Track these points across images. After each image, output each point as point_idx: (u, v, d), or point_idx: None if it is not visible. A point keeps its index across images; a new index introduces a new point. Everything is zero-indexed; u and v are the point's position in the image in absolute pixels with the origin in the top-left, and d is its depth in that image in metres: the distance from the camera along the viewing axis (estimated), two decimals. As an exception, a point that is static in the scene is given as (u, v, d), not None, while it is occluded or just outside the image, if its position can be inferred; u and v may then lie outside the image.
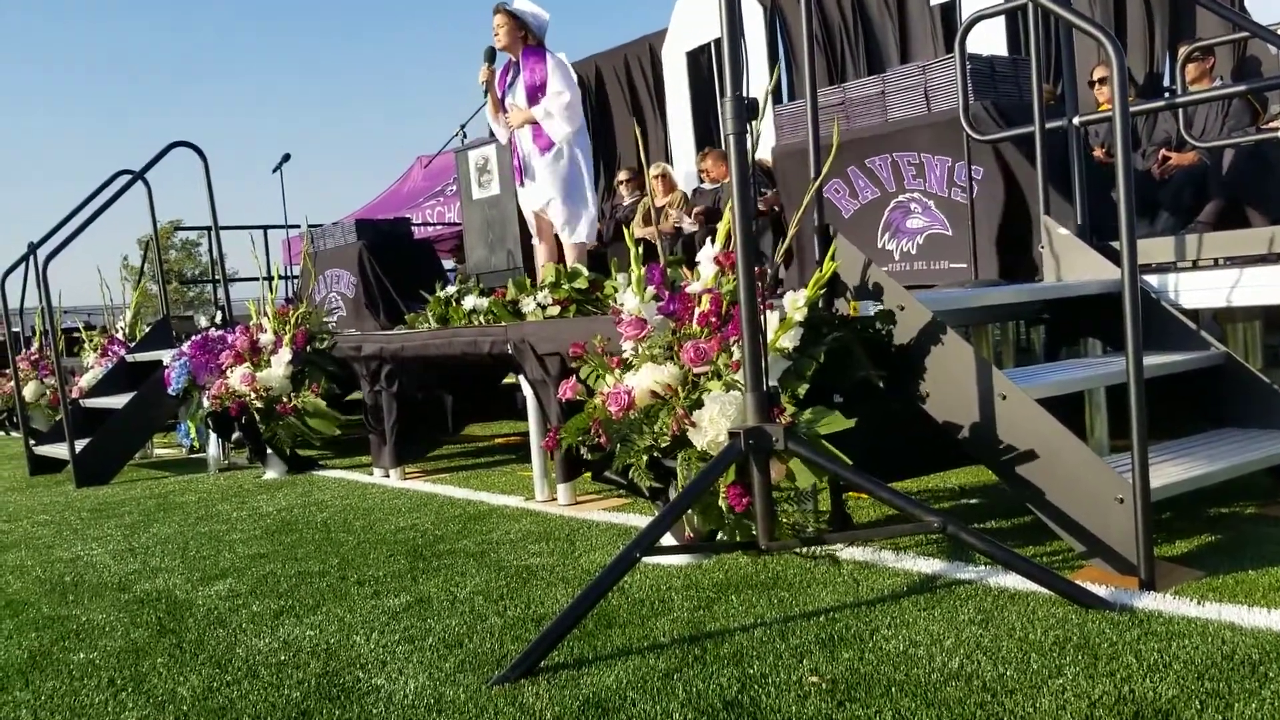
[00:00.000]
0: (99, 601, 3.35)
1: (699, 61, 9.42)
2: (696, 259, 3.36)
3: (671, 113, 9.73)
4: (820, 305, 3.17)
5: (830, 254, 3.14)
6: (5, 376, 10.43)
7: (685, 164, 9.33)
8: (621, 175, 9.20)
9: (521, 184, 6.14)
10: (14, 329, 8.90)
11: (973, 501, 3.86)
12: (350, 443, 6.68)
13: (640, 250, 3.54)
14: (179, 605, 3.23)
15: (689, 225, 7.65)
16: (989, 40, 6.09)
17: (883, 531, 3.13)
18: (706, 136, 9.20)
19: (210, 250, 10.42)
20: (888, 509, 3.56)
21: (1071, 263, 3.70)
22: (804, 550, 3.07)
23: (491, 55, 5.95)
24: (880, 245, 4.78)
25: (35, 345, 9.60)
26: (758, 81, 8.15)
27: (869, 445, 3.01)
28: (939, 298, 3.28)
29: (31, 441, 7.11)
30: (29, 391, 8.66)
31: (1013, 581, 2.71)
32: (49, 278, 6.91)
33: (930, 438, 3.13)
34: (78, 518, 5.02)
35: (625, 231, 3.65)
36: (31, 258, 7.17)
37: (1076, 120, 3.79)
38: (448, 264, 11.37)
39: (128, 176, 6.95)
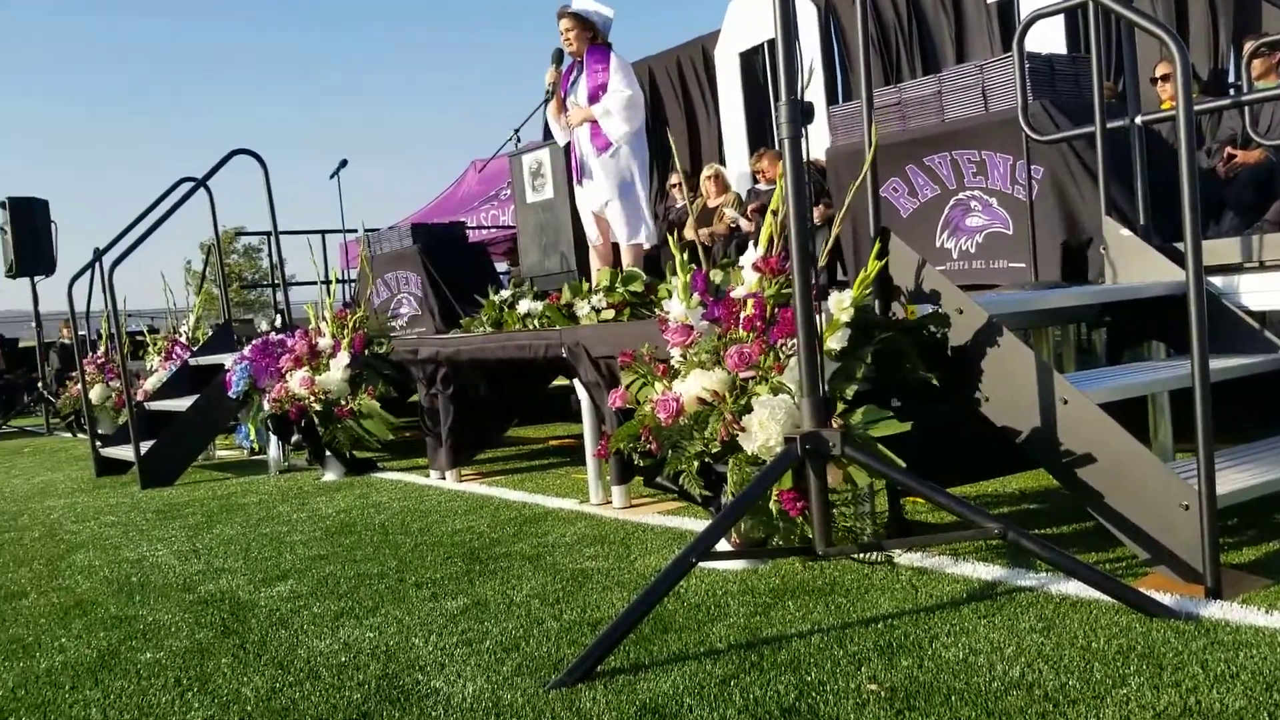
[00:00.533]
0: (165, 602, 3.42)
1: (752, 62, 9.39)
2: (740, 263, 3.36)
3: (725, 114, 9.71)
4: (873, 308, 3.15)
5: (874, 254, 3.11)
6: (73, 379, 10.69)
7: (739, 165, 9.31)
8: (673, 178, 9.20)
9: (579, 184, 6.16)
10: (80, 331, 9.11)
11: (1033, 506, 3.81)
12: (407, 444, 6.75)
13: (687, 256, 3.54)
14: (242, 606, 3.28)
15: (746, 224, 7.63)
16: (1047, 38, 6.00)
17: (941, 538, 3.09)
18: (760, 137, 9.16)
19: (270, 255, 10.66)
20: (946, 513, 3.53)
21: (1134, 264, 3.64)
22: (861, 555, 3.05)
23: (559, 57, 5.98)
24: (939, 244, 4.73)
25: (101, 349, 9.84)
26: (812, 83, 8.10)
27: (926, 449, 2.99)
28: (997, 300, 3.24)
29: (98, 443, 7.26)
30: (95, 394, 8.86)
31: (1075, 589, 2.67)
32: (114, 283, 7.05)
33: (989, 441, 3.10)
34: (143, 519, 5.13)
35: (670, 239, 3.66)
36: (97, 264, 7.33)
37: (1139, 119, 3.73)
38: (501, 266, 11.46)
39: (190, 184, 7.08)
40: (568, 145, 6.21)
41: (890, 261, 3.12)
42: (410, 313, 8.43)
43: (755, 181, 8.34)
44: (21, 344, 17.38)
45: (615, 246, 6.18)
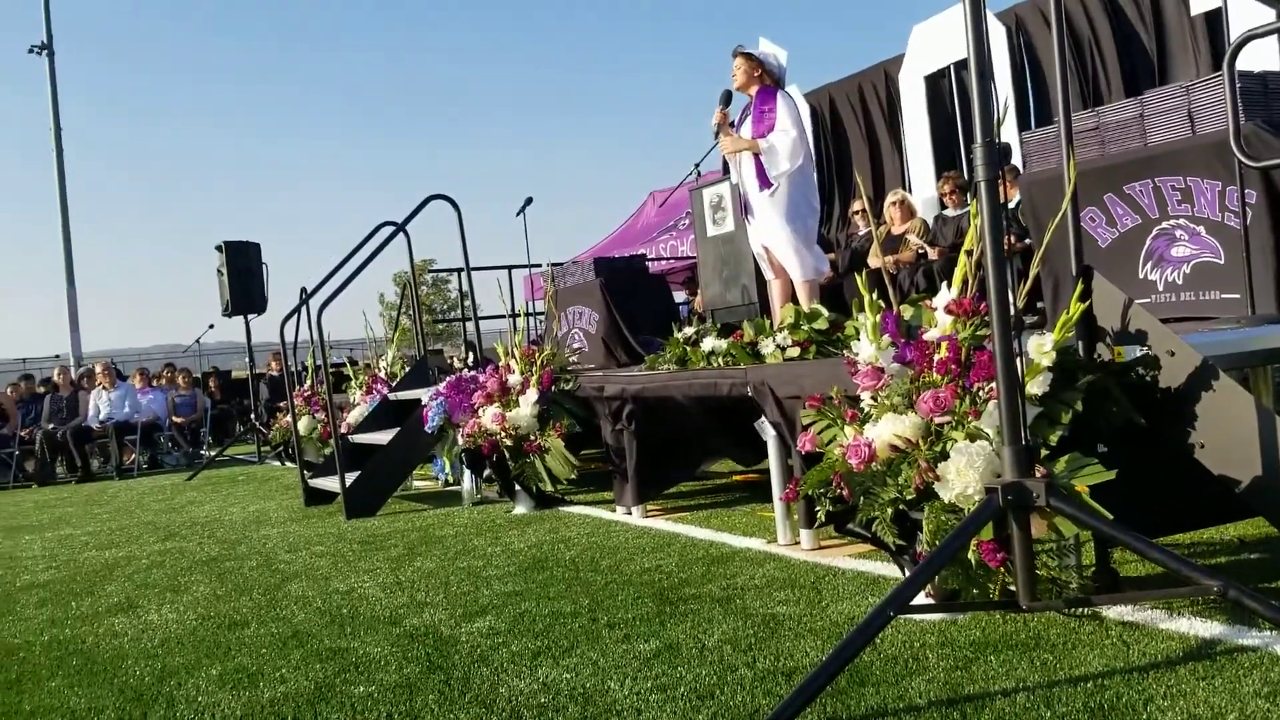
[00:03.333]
0: (373, 635, 3.59)
1: (938, 86, 9.23)
2: (933, 304, 3.29)
3: (909, 138, 9.56)
4: (1076, 350, 3.04)
5: (1077, 295, 2.99)
6: (282, 410, 11.38)
7: (925, 190, 9.14)
8: (856, 205, 9.10)
9: (746, 221, 6.20)
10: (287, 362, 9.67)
11: (1253, 556, 3.57)
12: (594, 476, 6.86)
13: (875, 296, 3.50)
14: (445, 641, 3.41)
15: (932, 252, 7.48)
16: (1259, 53, 5.65)
17: (1154, 594, 2.94)
18: (947, 161, 8.97)
19: (460, 290, 11.12)
20: (1156, 563, 3.34)
21: (1365, 296, 3.38)
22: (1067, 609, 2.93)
23: (727, 99, 6.04)
24: (1142, 275, 4.51)
25: (308, 383, 10.43)
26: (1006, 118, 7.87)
27: (1136, 497, 2.85)
28: (1212, 341, 3.07)
29: (307, 473, 7.67)
30: (302, 426, 9.39)
31: (1305, 651, 2.49)
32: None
33: (1204, 489, 2.93)
34: (350, 550, 5.39)
35: (857, 278, 3.62)
36: (305, 306, 7.78)
37: (1367, 141, 3.47)
38: (679, 296, 11.58)
39: (390, 228, 7.45)
40: (734, 184, 6.26)
41: (1094, 301, 3.00)
42: (583, 347, 8.61)
43: (943, 207, 8.17)
44: (234, 374, 18.64)
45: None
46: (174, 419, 13.82)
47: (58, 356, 23.44)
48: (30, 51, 23.46)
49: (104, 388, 12.94)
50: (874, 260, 7.77)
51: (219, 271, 11.41)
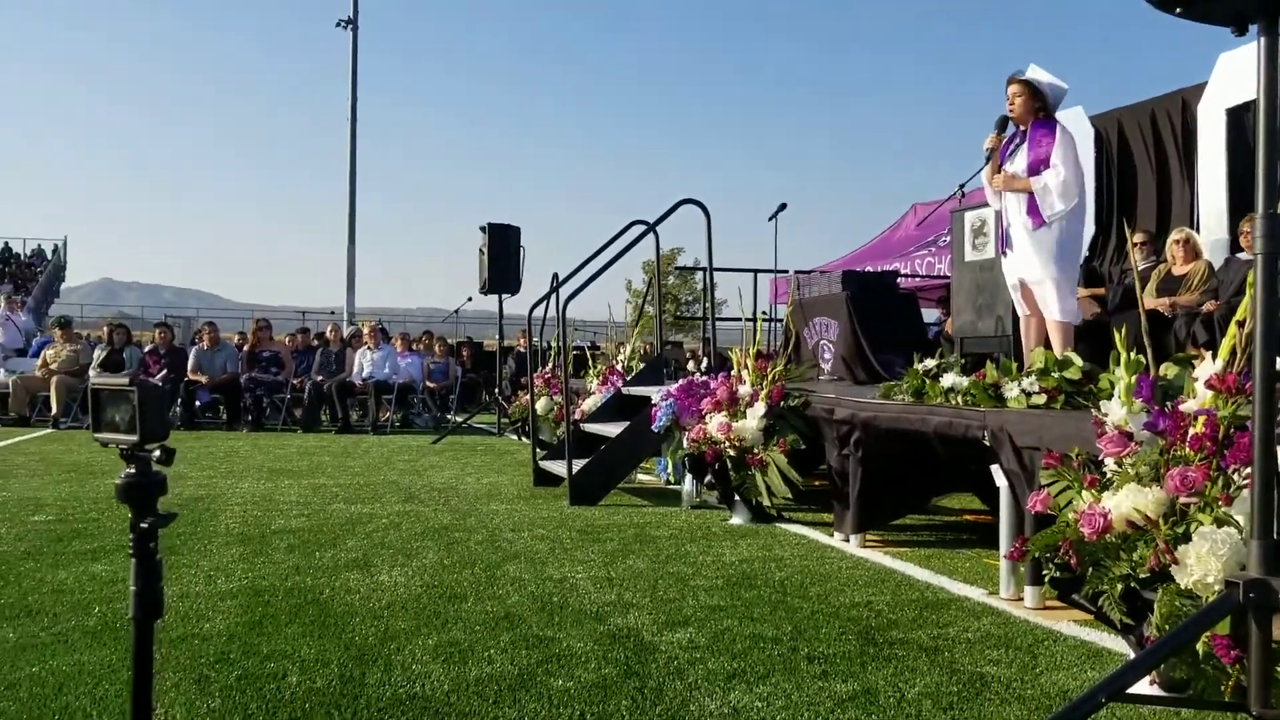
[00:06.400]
0: (578, 629, 3.69)
1: (1242, 120, 8.53)
2: (1194, 374, 3.06)
3: (1204, 173, 8.89)
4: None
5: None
6: (524, 389, 11.87)
7: (1214, 230, 8.48)
8: (1137, 237, 8.55)
9: (1003, 254, 5.93)
10: (534, 339, 10.08)
11: None
12: (815, 494, 6.79)
13: (1134, 352, 3.28)
14: (644, 647, 3.47)
15: (1209, 307, 6.94)
16: None
17: None
18: (1246, 202, 8.27)
19: (704, 291, 11.25)
20: None
21: None
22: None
23: (1003, 124, 5.80)
24: None
25: (549, 365, 10.83)
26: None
27: None
28: None
29: (539, 453, 7.97)
30: (540, 406, 9.77)
31: None
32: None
33: None
34: (568, 537, 5.57)
35: (1116, 334, 3.40)
36: (555, 295, 8.08)
37: None
38: (930, 315, 11.25)
39: (641, 227, 7.63)
40: (997, 212, 5.99)
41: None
42: (831, 358, 8.50)
43: (1235, 250, 7.55)
44: (485, 346, 19.60)
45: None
46: (427, 384, 14.66)
47: (333, 312, 25.37)
48: (337, 25, 25.47)
49: (369, 348, 13.90)
50: (1149, 301, 7.30)
51: (481, 250, 12.00)
